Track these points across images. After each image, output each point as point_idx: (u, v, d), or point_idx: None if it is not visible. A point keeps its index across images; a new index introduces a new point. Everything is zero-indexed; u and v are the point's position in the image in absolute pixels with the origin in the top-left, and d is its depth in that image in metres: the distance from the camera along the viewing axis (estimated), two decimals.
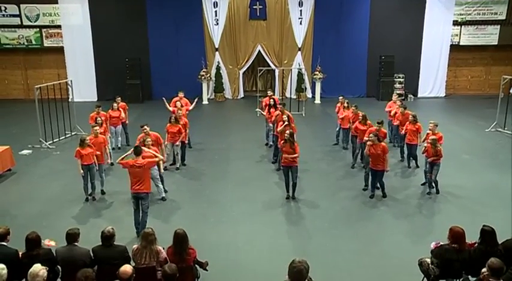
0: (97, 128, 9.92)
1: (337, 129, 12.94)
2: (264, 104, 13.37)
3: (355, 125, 11.08)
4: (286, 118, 10.65)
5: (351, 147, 11.78)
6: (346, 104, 12.23)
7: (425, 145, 9.51)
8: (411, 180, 10.51)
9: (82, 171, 9.02)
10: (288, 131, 9.22)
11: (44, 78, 19.28)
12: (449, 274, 5.59)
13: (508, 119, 14.40)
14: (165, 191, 9.55)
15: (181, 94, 13.18)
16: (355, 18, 20.03)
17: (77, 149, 9.08)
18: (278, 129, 10.73)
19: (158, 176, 9.25)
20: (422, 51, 20.21)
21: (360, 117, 10.94)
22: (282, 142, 9.23)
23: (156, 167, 8.87)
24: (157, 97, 19.39)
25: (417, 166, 11.11)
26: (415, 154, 11.00)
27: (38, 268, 4.63)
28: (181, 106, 12.35)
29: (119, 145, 12.71)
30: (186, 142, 11.63)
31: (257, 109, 14.49)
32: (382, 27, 19.68)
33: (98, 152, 9.43)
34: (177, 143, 11.01)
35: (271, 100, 12.59)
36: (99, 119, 10.91)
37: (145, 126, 9.59)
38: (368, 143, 9.19)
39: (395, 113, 11.88)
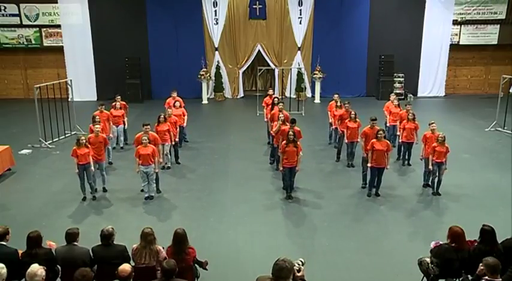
0: (98, 127, 9.92)
1: (330, 129, 12.89)
2: (264, 103, 13.37)
3: (344, 123, 11.05)
4: (282, 117, 10.55)
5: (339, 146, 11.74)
6: (339, 103, 12.11)
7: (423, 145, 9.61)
8: (410, 179, 10.51)
9: (78, 170, 9.02)
10: (291, 131, 9.08)
11: (44, 78, 19.25)
12: (448, 274, 5.59)
13: (507, 118, 14.40)
14: (158, 192, 9.58)
15: (174, 94, 13.12)
16: (354, 17, 20.00)
17: (73, 148, 9.06)
18: (274, 129, 10.70)
19: (155, 175, 9.31)
20: (422, 50, 20.16)
21: (352, 115, 10.87)
22: (284, 142, 9.03)
23: (153, 165, 9.12)
24: (157, 97, 19.45)
25: (409, 164, 11.22)
26: (411, 152, 11.13)
27: (36, 268, 4.61)
28: (180, 106, 12.33)
29: (121, 145, 12.70)
30: (177, 139, 11.53)
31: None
32: (382, 27, 19.65)
33: (99, 152, 9.45)
34: (167, 143, 10.82)
35: (275, 99, 12.49)
36: (97, 117, 10.91)
37: (148, 127, 9.66)
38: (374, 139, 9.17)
39: (401, 118, 11.44)
